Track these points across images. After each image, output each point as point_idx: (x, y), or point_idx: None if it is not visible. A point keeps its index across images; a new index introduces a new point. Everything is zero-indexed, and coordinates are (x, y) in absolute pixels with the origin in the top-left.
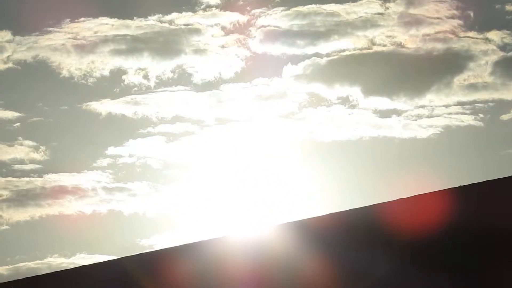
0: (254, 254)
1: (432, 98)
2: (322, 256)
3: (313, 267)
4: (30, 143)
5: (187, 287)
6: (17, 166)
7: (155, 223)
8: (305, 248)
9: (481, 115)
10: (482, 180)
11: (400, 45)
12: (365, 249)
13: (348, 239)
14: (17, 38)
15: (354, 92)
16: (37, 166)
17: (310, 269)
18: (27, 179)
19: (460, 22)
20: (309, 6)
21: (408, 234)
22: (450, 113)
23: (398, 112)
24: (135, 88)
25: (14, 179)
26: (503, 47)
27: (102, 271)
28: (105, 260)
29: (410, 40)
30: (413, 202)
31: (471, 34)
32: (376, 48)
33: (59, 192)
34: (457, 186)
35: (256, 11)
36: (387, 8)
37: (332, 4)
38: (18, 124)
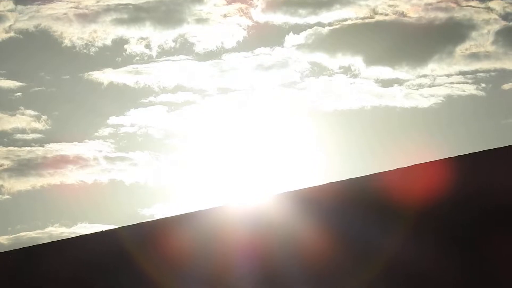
0: (253, 224)
1: (434, 68)
2: (320, 226)
3: (311, 237)
4: (32, 112)
5: (187, 256)
6: (18, 136)
7: (156, 193)
8: (304, 218)
9: (483, 85)
10: (483, 149)
11: (402, 14)
12: (362, 218)
13: (345, 208)
14: (19, 7)
15: (356, 61)
16: (38, 135)
17: (308, 239)
18: (28, 148)
19: None
20: None
21: (406, 204)
22: (451, 83)
23: (400, 82)
24: (137, 58)
25: (16, 148)
26: (505, 17)
27: (100, 241)
28: (105, 229)
29: (412, 10)
30: (412, 171)
31: (473, 3)
32: (378, 18)
33: (60, 161)
34: (456, 155)
35: None
36: None
37: None
38: (19, 93)
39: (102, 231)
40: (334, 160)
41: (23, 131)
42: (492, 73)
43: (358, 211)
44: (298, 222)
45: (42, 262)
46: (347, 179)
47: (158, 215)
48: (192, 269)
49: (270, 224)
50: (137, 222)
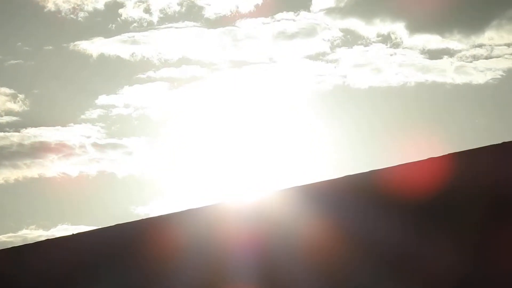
0: (258, 220)
1: (492, 36)
2: (332, 221)
3: (315, 233)
4: (7, 90)
5: (184, 259)
6: None
7: (154, 187)
8: (316, 215)
9: None
10: None
11: None
12: (378, 213)
13: (366, 203)
14: None
15: (398, 28)
16: (14, 118)
17: (312, 235)
18: (1, 134)
19: None
20: None
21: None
22: None
23: (450, 53)
24: (134, 24)
25: None
26: None
27: (83, 243)
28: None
29: None
30: (458, 158)
31: None
32: None
33: (39, 150)
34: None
35: None
36: None
37: None
38: None
39: (86, 231)
40: (370, 147)
41: None
42: None
43: (383, 204)
44: (307, 218)
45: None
46: (360, 173)
47: (155, 214)
48: (189, 269)
49: (276, 220)
50: (126, 222)
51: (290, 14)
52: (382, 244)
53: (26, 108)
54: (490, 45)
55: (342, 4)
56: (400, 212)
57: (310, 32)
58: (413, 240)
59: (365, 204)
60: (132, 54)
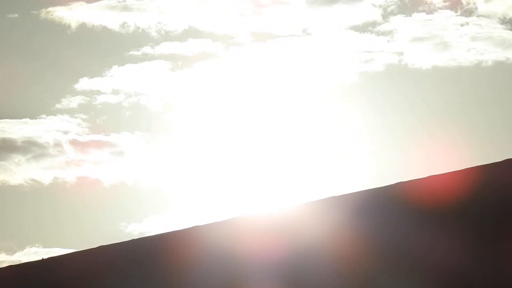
0: (282, 235)
1: None
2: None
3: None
4: None
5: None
6: None
7: (151, 199)
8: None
9: None
10: None
11: None
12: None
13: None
14: None
15: None
16: None
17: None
18: None
19: None
20: None
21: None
22: None
23: None
24: None
25: None
26: None
27: (58, 271)
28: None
29: None
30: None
31: None
32: None
33: (1, 149)
34: None
35: None
36: None
37: None
38: None
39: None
40: (433, 146)
41: None
42: None
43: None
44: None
45: None
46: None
47: (151, 233)
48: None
49: (302, 233)
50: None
51: None
52: (411, 255)
53: None
54: None
55: None
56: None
57: None
58: (441, 250)
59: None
60: (123, 24)
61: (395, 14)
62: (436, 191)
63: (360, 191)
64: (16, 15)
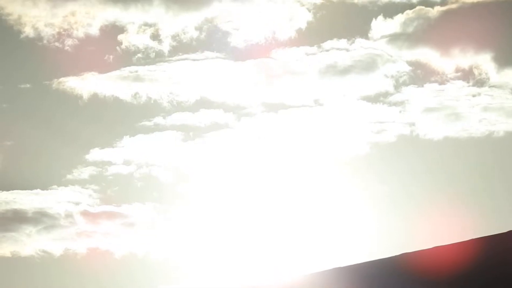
0: None
1: None
2: None
3: None
4: None
5: None
6: None
7: (161, 271)
8: None
9: None
10: None
11: None
12: None
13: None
14: None
15: (483, 61)
16: None
17: None
18: None
19: None
20: None
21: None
22: None
23: None
24: (138, 55)
25: None
26: None
27: None
28: None
29: None
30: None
31: None
32: None
33: (12, 220)
34: None
35: None
36: None
37: None
38: None
39: None
40: (443, 216)
41: None
42: None
43: None
44: None
45: None
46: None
47: None
48: None
49: None
50: None
51: (343, 42)
52: None
53: None
54: None
55: (410, 29)
56: None
57: (368, 65)
58: None
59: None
60: (135, 94)
61: (407, 85)
62: (440, 262)
63: (366, 262)
64: (28, 85)
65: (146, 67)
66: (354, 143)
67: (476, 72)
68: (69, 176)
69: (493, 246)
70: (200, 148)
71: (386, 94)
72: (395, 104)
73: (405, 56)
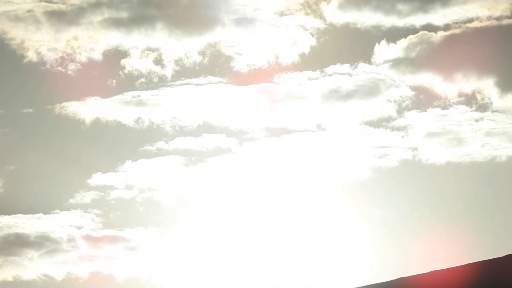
0: None
1: None
2: None
3: None
4: None
5: None
6: None
7: None
8: None
9: None
10: None
11: None
12: None
13: None
14: None
15: (486, 86)
16: None
17: None
18: None
19: None
20: None
21: None
22: None
23: None
24: (141, 80)
25: None
26: None
27: None
28: None
29: None
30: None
31: None
32: None
33: (14, 244)
34: None
35: None
36: None
37: None
38: None
39: None
40: (444, 240)
41: None
42: None
43: None
44: None
45: None
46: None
47: None
48: None
49: None
50: None
51: (346, 67)
52: None
53: None
54: None
55: (413, 54)
56: None
57: (371, 90)
58: None
59: None
60: (137, 119)
61: (410, 110)
62: (437, 287)
63: (365, 286)
64: (30, 110)
65: (149, 91)
66: (356, 168)
67: (479, 97)
68: (71, 200)
69: (491, 269)
70: (202, 172)
71: (388, 119)
72: (398, 128)
73: (408, 81)
